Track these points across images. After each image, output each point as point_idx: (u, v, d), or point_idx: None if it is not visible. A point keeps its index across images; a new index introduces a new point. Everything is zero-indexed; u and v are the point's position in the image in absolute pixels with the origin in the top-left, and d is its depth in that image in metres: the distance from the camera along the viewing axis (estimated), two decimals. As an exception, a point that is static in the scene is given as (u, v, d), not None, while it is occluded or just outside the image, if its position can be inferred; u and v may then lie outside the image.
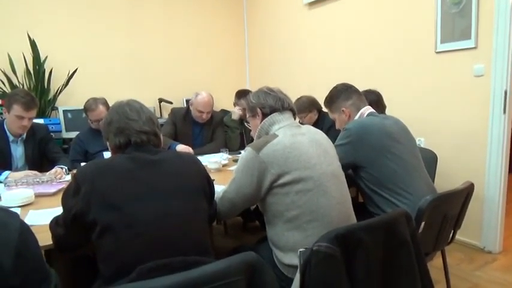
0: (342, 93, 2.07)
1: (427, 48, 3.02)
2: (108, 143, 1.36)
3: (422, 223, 1.61)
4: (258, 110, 1.60)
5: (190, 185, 1.27)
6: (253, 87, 1.74)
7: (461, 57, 2.82)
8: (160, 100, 4.40)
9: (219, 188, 1.57)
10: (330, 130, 2.81)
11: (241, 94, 3.38)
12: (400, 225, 1.34)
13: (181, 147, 2.82)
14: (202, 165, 1.39)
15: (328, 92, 2.13)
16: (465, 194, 1.79)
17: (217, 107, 4.55)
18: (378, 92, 2.62)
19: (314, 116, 3.18)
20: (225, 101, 4.34)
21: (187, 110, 3.12)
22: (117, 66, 4.20)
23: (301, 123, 3.09)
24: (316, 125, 3.10)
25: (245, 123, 1.90)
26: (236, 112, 3.30)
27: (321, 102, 2.32)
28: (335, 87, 2.12)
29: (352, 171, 1.95)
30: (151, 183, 1.20)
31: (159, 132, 1.37)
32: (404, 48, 3.20)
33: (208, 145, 3.10)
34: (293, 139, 1.46)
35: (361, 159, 1.85)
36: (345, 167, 1.70)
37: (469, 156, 2.84)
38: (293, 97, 1.73)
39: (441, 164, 2.69)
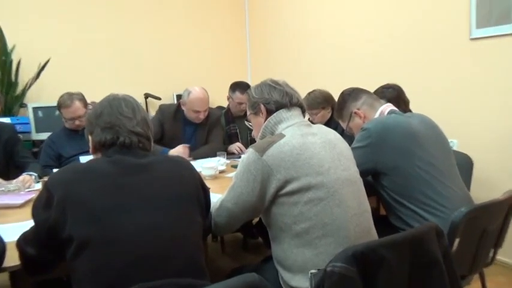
0: (348, 96, 2.11)
1: (459, 34, 3.02)
2: (90, 138, 1.37)
3: (457, 240, 1.60)
4: (262, 107, 1.60)
5: (183, 194, 1.27)
6: (255, 81, 1.75)
7: (500, 45, 2.81)
8: (147, 95, 4.42)
9: (215, 198, 1.57)
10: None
11: (237, 86, 3.40)
12: (429, 242, 1.33)
13: (177, 151, 2.82)
14: (197, 171, 1.39)
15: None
16: (507, 205, 1.78)
17: (213, 103, 4.56)
18: (398, 86, 2.62)
19: (327, 113, 3.18)
20: (222, 97, 4.35)
21: (177, 107, 3.13)
22: (96, 56, 4.22)
23: (312, 122, 3.10)
24: (329, 124, 3.10)
25: (246, 122, 1.91)
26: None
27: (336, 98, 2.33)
28: (340, 94, 2.17)
29: (372, 179, 1.95)
30: (137, 191, 1.20)
31: (151, 137, 1.38)
32: (433, 35, 3.21)
33: (203, 148, 3.11)
34: (303, 139, 1.46)
35: (382, 164, 1.84)
36: (363, 173, 1.69)
37: (511, 162, 2.83)
38: (301, 94, 1.74)
39: (478, 170, 2.68)
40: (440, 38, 3.16)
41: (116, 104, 1.35)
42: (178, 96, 4.19)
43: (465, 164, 2.37)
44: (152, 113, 4.35)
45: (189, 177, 1.33)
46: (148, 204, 1.19)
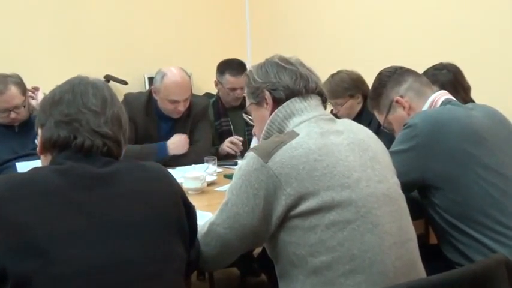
0: (389, 78, 2.11)
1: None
2: (39, 132, 1.37)
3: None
4: (267, 94, 1.61)
5: (158, 216, 1.27)
6: (256, 60, 1.75)
7: None
8: (108, 78, 4.41)
9: (203, 218, 1.58)
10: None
11: (226, 67, 3.40)
12: (497, 282, 1.34)
13: (176, 141, 2.89)
14: (177, 183, 1.40)
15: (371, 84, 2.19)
16: None
17: (199, 90, 4.57)
18: (455, 67, 2.63)
19: (357, 104, 3.19)
20: (211, 80, 4.36)
21: (149, 96, 3.14)
22: (39, 26, 4.22)
23: (336, 116, 3.11)
24: (359, 118, 3.11)
25: (244, 115, 1.92)
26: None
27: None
28: (378, 75, 2.17)
29: (419, 194, 1.95)
30: (95, 212, 1.20)
31: (123, 142, 1.39)
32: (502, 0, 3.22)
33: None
34: (323, 140, 1.47)
35: (433, 175, 1.85)
36: (407, 187, 1.70)
37: None
38: (321, 78, 1.74)
39: None
40: (506, 5, 3.16)
41: (81, 91, 1.35)
42: (151, 80, 4.19)
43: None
44: (115, 102, 4.36)
45: (167, 194, 1.34)
46: (112, 229, 1.20)
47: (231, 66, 3.42)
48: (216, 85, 3.52)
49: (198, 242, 1.52)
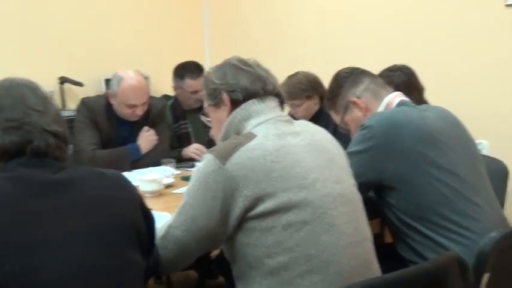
0: (345, 78, 2.14)
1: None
2: None
3: (486, 275, 1.64)
4: (224, 96, 1.61)
5: (116, 224, 1.25)
6: (215, 61, 1.75)
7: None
8: (63, 80, 4.34)
9: (160, 218, 1.57)
10: (339, 128, 2.85)
11: (185, 71, 3.39)
12: (449, 279, 1.37)
13: (145, 138, 2.91)
14: (135, 188, 1.38)
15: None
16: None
17: (157, 91, 4.52)
18: (409, 69, 2.68)
19: (314, 105, 3.22)
20: (168, 82, 4.32)
21: (107, 100, 3.09)
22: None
23: (293, 117, 3.13)
24: (317, 119, 3.13)
25: (201, 117, 1.92)
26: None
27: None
28: (334, 75, 2.20)
29: (375, 195, 1.98)
30: (52, 221, 1.17)
31: (68, 139, 1.35)
32: (455, 1, 3.28)
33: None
34: (280, 141, 1.48)
35: (389, 175, 1.88)
36: (363, 188, 1.72)
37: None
38: (279, 79, 1.75)
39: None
40: (467, 5, 3.23)
41: (18, 94, 1.30)
42: (108, 82, 4.14)
43: (497, 173, 2.43)
44: (71, 105, 4.28)
45: (126, 201, 1.32)
46: (68, 239, 1.17)
47: (190, 70, 3.40)
48: (175, 90, 3.48)
49: (157, 248, 1.51)
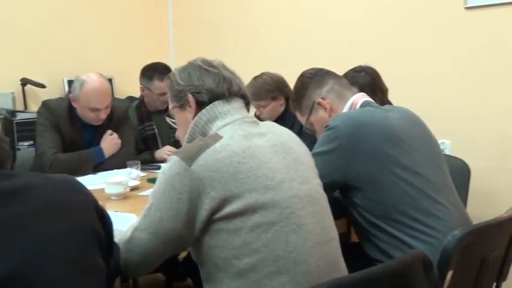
0: (310, 80, 2.16)
1: (451, 2, 3.16)
2: None
3: (449, 272, 1.67)
4: (190, 97, 1.61)
5: (74, 228, 1.23)
6: (181, 62, 1.74)
7: (503, 16, 2.96)
8: (25, 82, 4.28)
9: (126, 220, 1.55)
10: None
11: (153, 72, 3.36)
12: (414, 277, 1.39)
13: (108, 142, 2.90)
14: (88, 190, 1.36)
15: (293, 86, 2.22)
16: (512, 225, 1.89)
17: (121, 93, 4.48)
18: (373, 70, 2.72)
19: (280, 106, 3.23)
20: (133, 84, 4.29)
21: (69, 103, 3.05)
22: None
23: (259, 118, 3.12)
24: (282, 120, 3.14)
25: (167, 118, 1.91)
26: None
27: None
28: (299, 76, 2.22)
29: (341, 195, 1.99)
30: (6, 231, 1.14)
31: (7, 144, 1.31)
32: (417, 3, 3.33)
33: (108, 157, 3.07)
34: (246, 142, 1.48)
35: (354, 175, 1.89)
36: (329, 188, 1.73)
37: (517, 169, 2.99)
38: (245, 80, 1.75)
39: (476, 180, 2.80)
40: (428, 7, 3.29)
41: None
42: (71, 83, 4.09)
43: (460, 172, 2.49)
44: (33, 107, 4.21)
45: (79, 204, 1.29)
46: (22, 248, 1.13)
47: (158, 71, 3.36)
48: (142, 91, 3.45)
49: (118, 250, 1.49)
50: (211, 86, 1.59)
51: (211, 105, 1.58)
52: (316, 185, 1.58)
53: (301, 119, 2.22)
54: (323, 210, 1.56)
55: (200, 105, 1.59)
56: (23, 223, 1.17)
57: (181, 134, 1.69)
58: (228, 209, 1.40)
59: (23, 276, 1.11)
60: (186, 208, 1.42)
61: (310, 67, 2.25)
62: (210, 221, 1.42)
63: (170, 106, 1.70)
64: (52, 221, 1.20)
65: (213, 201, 1.40)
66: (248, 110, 1.66)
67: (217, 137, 1.48)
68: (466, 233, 1.68)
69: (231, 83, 1.61)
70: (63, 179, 1.33)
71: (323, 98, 2.11)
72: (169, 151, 3.22)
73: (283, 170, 1.49)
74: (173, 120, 1.72)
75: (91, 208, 1.31)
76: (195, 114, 1.60)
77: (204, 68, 1.62)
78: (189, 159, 1.42)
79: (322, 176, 1.65)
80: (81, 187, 1.34)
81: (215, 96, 1.59)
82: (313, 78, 2.16)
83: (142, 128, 3.40)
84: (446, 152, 3.11)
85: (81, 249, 1.22)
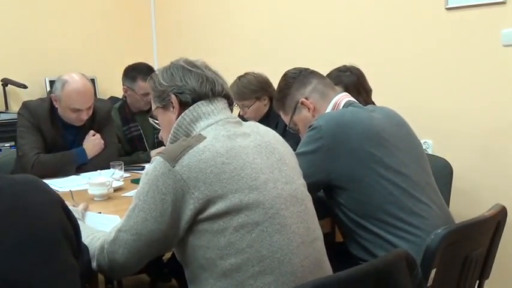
0: (293, 79, 2.17)
1: (433, 2, 3.19)
2: None
3: (433, 270, 1.68)
4: (173, 98, 1.61)
5: (43, 228, 1.21)
6: (164, 62, 1.74)
7: (483, 17, 3.00)
8: (6, 82, 4.24)
9: (110, 222, 1.54)
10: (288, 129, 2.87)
11: (136, 73, 3.35)
12: (398, 275, 1.40)
13: (90, 143, 2.89)
14: (53, 190, 1.34)
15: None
16: (494, 223, 1.90)
17: (104, 94, 4.45)
18: (357, 70, 2.73)
19: (264, 106, 3.23)
20: (115, 83, 4.27)
21: (51, 104, 3.02)
22: None
23: (243, 118, 3.11)
24: (266, 120, 3.16)
25: (150, 119, 1.90)
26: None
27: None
28: (283, 76, 2.23)
29: (325, 194, 2.00)
30: None
31: None
32: (400, 3, 3.36)
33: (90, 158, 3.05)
34: (230, 143, 1.48)
35: (338, 175, 1.90)
36: (313, 188, 1.74)
37: (499, 167, 3.02)
38: (228, 81, 1.75)
39: (459, 179, 2.83)
40: (407, 8, 3.31)
41: None
42: (53, 83, 4.06)
43: (442, 172, 2.51)
44: (14, 107, 4.17)
45: (46, 204, 1.27)
46: None
47: (142, 71, 3.35)
48: (125, 92, 3.43)
49: (86, 248, 1.48)
50: (194, 86, 1.59)
51: (194, 105, 1.58)
52: (300, 185, 1.58)
53: (285, 118, 2.22)
54: (307, 210, 1.56)
55: (183, 105, 1.59)
56: None
57: (164, 135, 1.68)
58: (212, 210, 1.40)
59: None
60: (170, 209, 1.41)
61: (294, 66, 2.26)
62: (194, 221, 1.42)
63: (153, 107, 1.69)
64: (19, 223, 1.18)
65: (197, 202, 1.40)
66: (232, 110, 1.66)
67: (200, 138, 1.48)
68: (449, 232, 1.69)
69: (214, 83, 1.61)
70: (27, 180, 1.30)
71: (306, 98, 2.12)
72: None
73: (267, 170, 1.49)
74: (156, 121, 1.72)
75: (58, 208, 1.29)
76: (179, 115, 1.59)
77: (186, 68, 1.62)
78: (173, 159, 1.42)
79: (306, 176, 1.66)
80: (46, 187, 1.32)
81: (198, 97, 1.59)
82: (296, 77, 2.16)
83: (127, 129, 3.38)
84: (429, 151, 3.14)
85: (50, 250, 1.20)
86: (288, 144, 1.67)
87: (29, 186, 1.28)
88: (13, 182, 1.27)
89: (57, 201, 1.30)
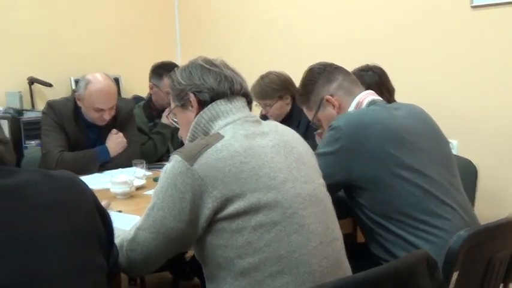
0: (319, 75, 2.13)
1: (458, 1, 3.15)
2: None
3: (455, 273, 1.66)
4: (191, 97, 1.61)
5: (73, 225, 1.23)
6: (186, 61, 1.74)
7: (510, 15, 2.96)
8: (32, 81, 4.30)
9: (131, 221, 1.55)
10: (310, 128, 2.85)
11: (164, 70, 3.37)
12: (418, 277, 1.38)
13: (113, 141, 2.92)
14: (90, 189, 1.36)
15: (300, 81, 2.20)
16: (519, 225, 1.87)
17: (128, 93, 4.49)
18: (380, 68, 2.71)
19: (286, 105, 3.22)
20: (139, 83, 4.29)
21: (75, 103, 3.06)
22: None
23: (266, 117, 3.10)
24: (289, 120, 3.15)
25: (167, 118, 1.91)
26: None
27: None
28: (308, 70, 2.19)
29: (346, 194, 1.99)
30: (2, 228, 1.14)
31: (9, 141, 1.31)
32: (423, 2, 3.33)
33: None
34: (249, 142, 1.48)
35: (358, 175, 1.89)
36: (333, 188, 1.72)
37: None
38: (249, 81, 1.75)
39: (484, 181, 2.79)
40: (432, 7, 3.28)
41: None
42: (77, 83, 4.11)
43: (467, 173, 2.47)
44: (40, 105, 4.23)
45: (79, 202, 1.29)
46: (22, 245, 1.13)
47: (168, 69, 3.34)
48: (151, 89, 3.46)
49: (117, 249, 1.49)
50: (213, 85, 1.59)
51: (212, 104, 1.58)
52: (319, 184, 1.58)
53: (309, 114, 2.20)
54: (326, 210, 1.55)
55: (202, 104, 1.59)
56: (21, 221, 1.16)
57: (183, 134, 1.69)
58: (231, 209, 1.40)
59: (15, 270, 1.11)
60: (188, 207, 1.42)
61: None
62: (212, 220, 1.42)
63: (172, 105, 1.70)
64: (49, 218, 1.20)
65: (216, 201, 1.40)
66: (250, 109, 1.66)
67: (219, 136, 1.48)
68: (471, 233, 1.67)
69: (233, 82, 1.61)
70: (64, 177, 1.32)
71: (332, 95, 2.09)
72: None
73: (285, 169, 1.48)
74: (174, 120, 1.72)
75: (91, 207, 1.31)
76: (197, 114, 1.60)
77: (205, 67, 1.62)
78: (191, 158, 1.42)
79: (325, 177, 1.65)
80: (82, 186, 1.34)
81: (217, 95, 1.59)
82: (321, 73, 2.13)
83: (153, 125, 3.41)
84: (454, 152, 3.09)
85: (76, 248, 1.22)
86: (307, 144, 1.66)
87: (66, 184, 1.30)
88: (53, 177, 1.29)
89: (91, 202, 1.32)
